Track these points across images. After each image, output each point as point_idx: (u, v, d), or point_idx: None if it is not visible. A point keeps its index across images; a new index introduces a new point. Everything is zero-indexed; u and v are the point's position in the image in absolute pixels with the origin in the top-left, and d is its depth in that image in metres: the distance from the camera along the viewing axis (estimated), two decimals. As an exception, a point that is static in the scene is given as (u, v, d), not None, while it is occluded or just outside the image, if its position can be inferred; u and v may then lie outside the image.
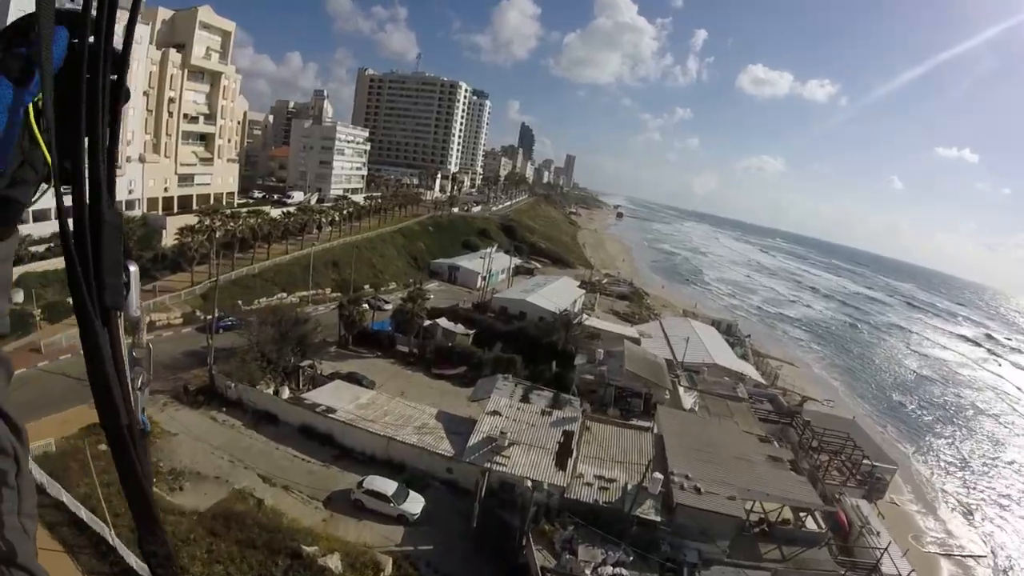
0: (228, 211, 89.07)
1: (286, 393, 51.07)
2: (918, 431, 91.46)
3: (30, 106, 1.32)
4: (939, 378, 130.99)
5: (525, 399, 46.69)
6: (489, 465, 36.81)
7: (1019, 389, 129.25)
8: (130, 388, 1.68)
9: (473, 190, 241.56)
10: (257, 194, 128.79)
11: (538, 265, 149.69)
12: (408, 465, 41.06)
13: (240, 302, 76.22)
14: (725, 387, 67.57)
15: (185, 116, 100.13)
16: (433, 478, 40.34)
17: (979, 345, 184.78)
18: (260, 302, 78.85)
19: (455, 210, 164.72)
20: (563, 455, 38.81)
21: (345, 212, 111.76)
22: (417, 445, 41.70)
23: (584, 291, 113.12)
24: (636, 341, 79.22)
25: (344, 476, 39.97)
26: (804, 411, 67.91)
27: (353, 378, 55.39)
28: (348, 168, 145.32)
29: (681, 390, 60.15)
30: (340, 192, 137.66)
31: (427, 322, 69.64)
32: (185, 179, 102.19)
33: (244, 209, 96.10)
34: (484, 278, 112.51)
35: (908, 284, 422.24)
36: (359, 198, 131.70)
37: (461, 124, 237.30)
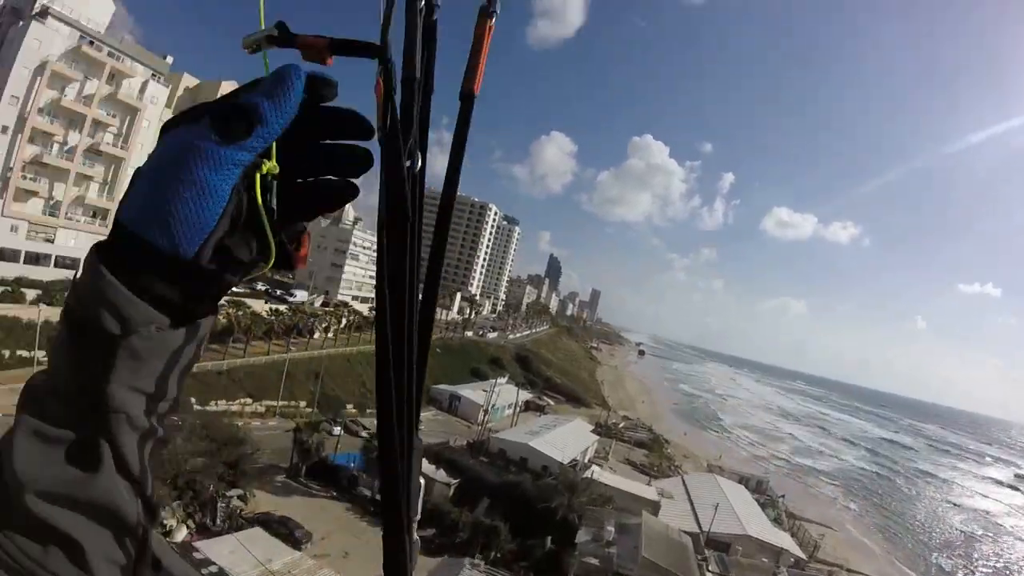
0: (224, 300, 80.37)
1: (182, 534, 39.70)
2: None
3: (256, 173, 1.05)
4: (985, 533, 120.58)
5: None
6: None
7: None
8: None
9: (493, 316, 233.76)
10: (260, 286, 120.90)
11: (551, 402, 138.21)
12: None
13: (193, 400, 65.98)
14: (763, 572, 54.97)
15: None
16: None
17: (1017, 489, 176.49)
18: (216, 404, 68.65)
19: (468, 334, 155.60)
20: None
21: (345, 320, 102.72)
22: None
23: (598, 436, 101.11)
24: (656, 507, 67.07)
25: None
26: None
27: (284, 526, 44.22)
28: (361, 275, 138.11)
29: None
30: (349, 298, 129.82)
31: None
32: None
33: (236, 298, 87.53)
34: (487, 411, 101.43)
35: (932, 425, 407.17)
36: (365, 307, 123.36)
37: (488, 247, 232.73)
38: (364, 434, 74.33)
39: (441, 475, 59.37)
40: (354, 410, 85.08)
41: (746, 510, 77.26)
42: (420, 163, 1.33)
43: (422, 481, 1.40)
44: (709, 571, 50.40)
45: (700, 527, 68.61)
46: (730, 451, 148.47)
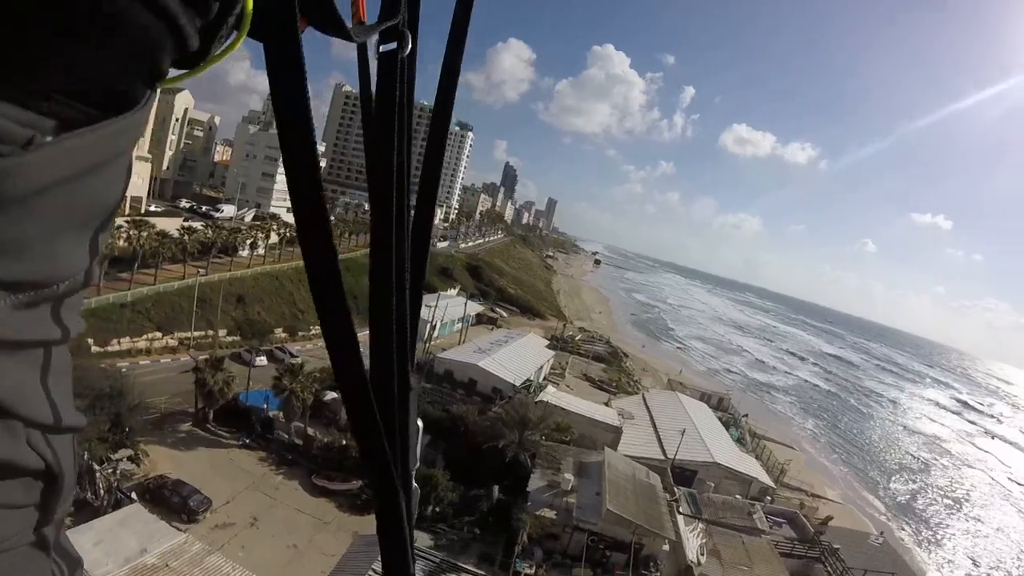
0: (124, 220, 69.46)
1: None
2: (939, 538, 79.82)
3: None
4: (937, 459, 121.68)
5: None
6: None
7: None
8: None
9: (446, 224, 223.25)
10: (184, 204, 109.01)
11: (504, 314, 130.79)
12: None
13: (90, 341, 56.42)
14: (737, 511, 49.07)
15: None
16: None
17: (960, 414, 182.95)
18: (118, 343, 59.14)
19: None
20: None
21: (275, 235, 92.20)
22: None
23: (554, 352, 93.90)
24: (617, 434, 60.47)
25: None
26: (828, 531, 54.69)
27: (177, 493, 35.82)
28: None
29: (683, 527, 41.10)
30: (284, 210, 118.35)
31: (329, 396, 50.09)
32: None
33: (140, 217, 76.47)
34: (433, 327, 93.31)
35: (878, 344, 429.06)
36: None
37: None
38: (291, 361, 65.83)
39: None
40: (283, 334, 75.98)
41: (711, 433, 71.73)
42: (409, 46, 1.26)
43: (420, 423, 1.58)
44: (680, 512, 43.88)
45: (665, 453, 62.64)
46: (687, 364, 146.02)
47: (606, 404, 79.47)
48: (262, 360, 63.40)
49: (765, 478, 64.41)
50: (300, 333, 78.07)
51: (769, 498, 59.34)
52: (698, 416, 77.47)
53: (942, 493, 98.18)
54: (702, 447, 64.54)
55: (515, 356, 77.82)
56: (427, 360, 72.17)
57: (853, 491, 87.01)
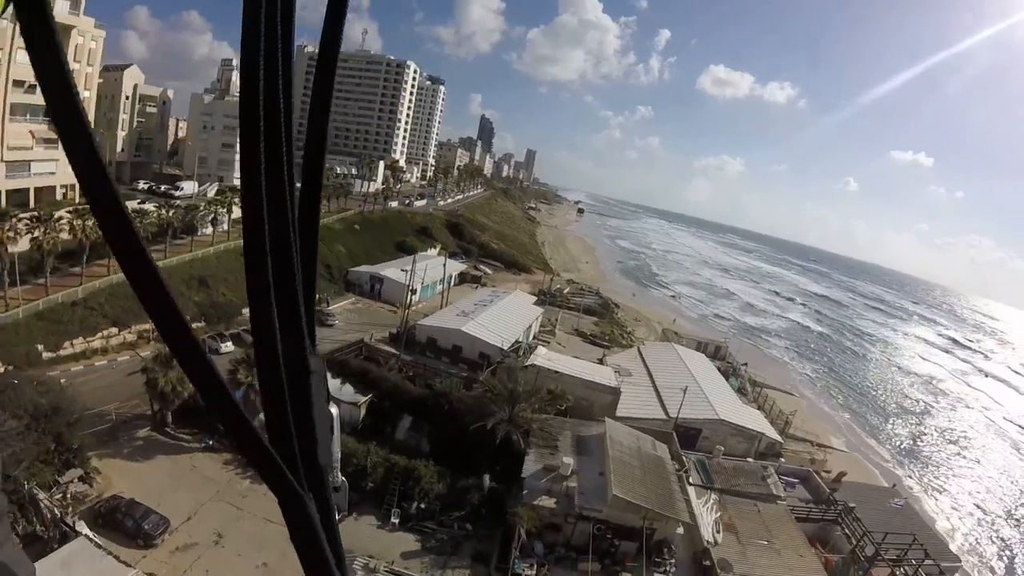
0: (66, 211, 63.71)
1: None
2: (944, 484, 77.25)
3: None
4: (934, 400, 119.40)
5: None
6: None
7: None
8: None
9: (423, 183, 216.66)
10: (142, 185, 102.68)
11: (488, 271, 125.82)
12: None
13: (40, 347, 51.60)
14: (750, 476, 45.40)
15: (17, 83, 74.05)
16: None
17: (951, 352, 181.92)
18: (71, 345, 54.18)
19: (393, 204, 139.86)
20: None
21: (237, 208, 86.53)
22: None
23: (542, 308, 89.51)
24: (616, 396, 56.54)
25: None
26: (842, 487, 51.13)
27: (130, 516, 31.44)
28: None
29: (695, 502, 37.23)
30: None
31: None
32: (17, 167, 76.12)
33: (84, 205, 70.36)
34: (413, 291, 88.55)
35: (864, 282, 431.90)
36: None
37: (409, 109, 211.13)
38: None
39: (347, 391, 46.67)
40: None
41: (713, 386, 68.24)
42: None
43: (334, 411, 1.40)
44: (690, 483, 40.06)
45: (667, 412, 58.91)
46: (679, 311, 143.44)
47: (600, 360, 75.59)
48: (228, 346, 58.68)
49: (772, 432, 61.05)
50: (271, 309, 73.19)
51: (782, 459, 55.80)
52: (697, 368, 73.83)
53: (942, 436, 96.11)
54: (705, 403, 60.89)
55: (501, 317, 73.45)
56: (407, 328, 67.74)
57: (856, 437, 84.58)
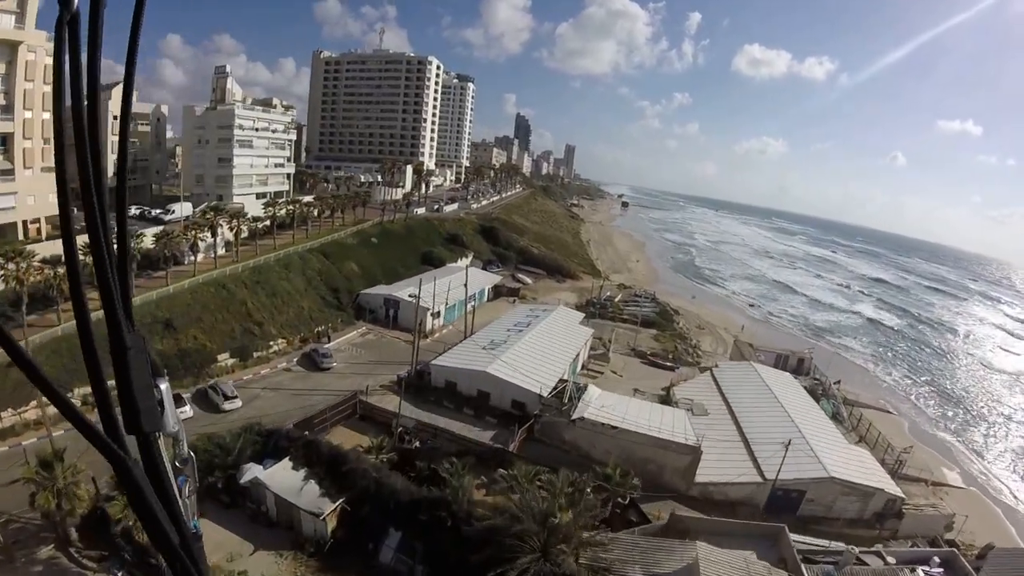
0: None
1: None
2: None
3: None
4: None
5: None
6: None
7: None
8: (180, 503, 1.80)
9: (458, 185, 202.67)
10: (134, 211, 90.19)
11: (528, 280, 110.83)
12: None
13: None
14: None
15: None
16: None
17: None
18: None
19: (420, 211, 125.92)
20: None
21: (227, 230, 73.37)
22: None
23: (590, 327, 74.11)
24: (695, 456, 41.50)
25: None
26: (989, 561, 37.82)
27: None
28: (261, 165, 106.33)
29: None
30: (252, 196, 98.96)
31: (249, 475, 31.37)
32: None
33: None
34: (437, 314, 74.06)
35: (916, 260, 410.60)
36: (259, 205, 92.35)
37: (435, 108, 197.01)
38: (228, 406, 47.31)
39: (309, 494, 32.09)
40: (229, 361, 57.28)
41: (812, 425, 53.70)
42: (76, 5, 1.48)
43: (163, 385, 1.69)
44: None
45: (761, 471, 43.88)
46: (743, 312, 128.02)
47: (667, 393, 60.27)
48: (186, 411, 44.90)
49: (891, 486, 46.79)
50: (256, 354, 59.32)
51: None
52: (788, 398, 58.62)
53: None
54: (809, 455, 46.10)
55: (541, 346, 58.54)
56: (419, 370, 53.36)
57: (967, 463, 69.30)
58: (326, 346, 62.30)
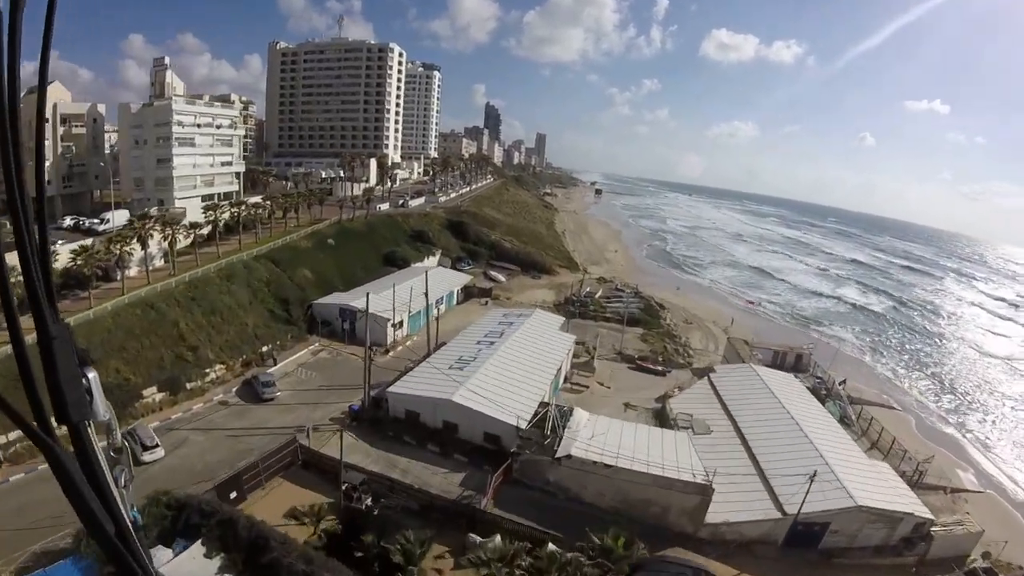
0: None
1: None
2: None
3: None
4: None
5: None
6: None
7: None
8: (116, 492, 1.76)
9: (427, 178, 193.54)
10: (68, 222, 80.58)
11: (501, 278, 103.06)
12: None
13: None
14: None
15: None
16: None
17: (1014, 320, 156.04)
18: None
19: (383, 207, 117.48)
20: None
21: (159, 238, 64.81)
22: None
23: (572, 334, 66.62)
24: (705, 495, 34.53)
25: None
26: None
27: None
28: (206, 165, 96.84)
29: None
30: (197, 199, 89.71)
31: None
32: None
33: None
34: (399, 324, 66.28)
35: (889, 239, 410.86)
36: (199, 209, 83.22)
37: (398, 98, 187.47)
38: (148, 457, 39.28)
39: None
40: (158, 396, 48.85)
41: (828, 441, 47.15)
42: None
43: (91, 374, 1.72)
44: None
45: (779, 503, 37.38)
46: (728, 301, 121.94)
47: (662, 405, 53.33)
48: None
49: (920, 508, 40.85)
50: (190, 385, 50.90)
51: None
52: (796, 407, 52.35)
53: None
54: (832, 482, 39.56)
55: (517, 362, 50.96)
56: (377, 396, 45.76)
57: (978, 459, 64.19)
58: (270, 371, 54.02)
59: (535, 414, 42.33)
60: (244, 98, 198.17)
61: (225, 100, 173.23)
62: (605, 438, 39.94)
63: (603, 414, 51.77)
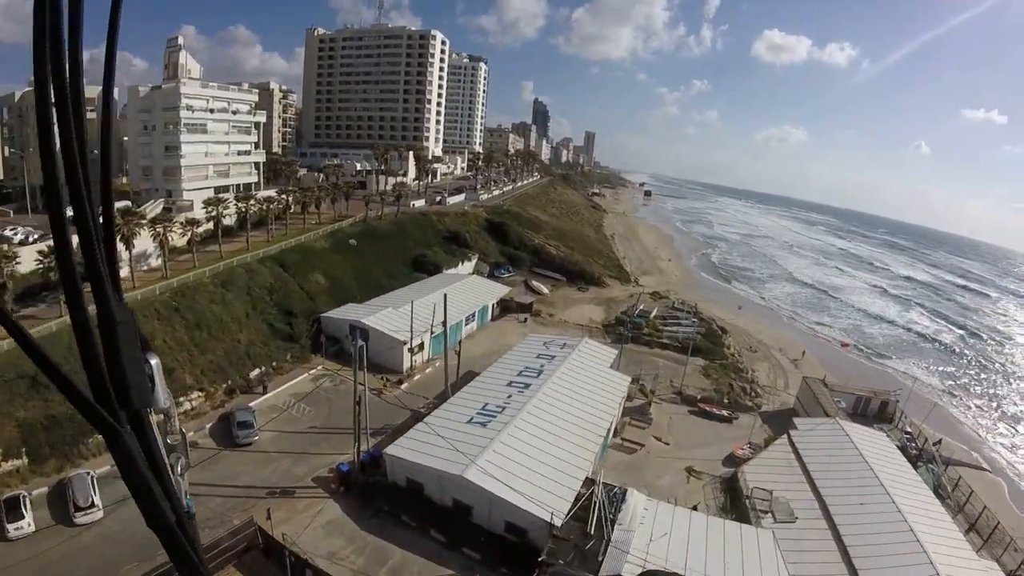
0: None
1: None
2: None
3: None
4: None
5: None
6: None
7: None
8: (173, 480, 1.80)
9: (470, 174, 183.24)
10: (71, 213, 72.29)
11: (544, 290, 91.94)
12: None
13: None
14: None
15: None
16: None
17: None
18: None
19: (418, 204, 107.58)
20: None
21: (147, 235, 55.58)
22: None
23: (626, 374, 55.22)
24: None
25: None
26: None
27: None
28: (220, 153, 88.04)
29: None
30: (209, 191, 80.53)
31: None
32: None
33: None
34: (415, 349, 55.86)
35: (944, 254, 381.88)
36: (199, 205, 73.83)
37: (441, 88, 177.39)
38: (81, 519, 30.11)
39: None
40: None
41: (929, 525, 36.30)
42: None
43: (154, 361, 1.82)
44: None
45: None
46: (793, 327, 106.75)
47: (733, 475, 42.02)
48: (23, 524, 28.13)
49: None
50: (155, 420, 41.36)
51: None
52: (892, 478, 41.27)
53: None
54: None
55: (557, 417, 40.01)
56: (375, 454, 35.53)
57: None
58: (252, 404, 44.15)
59: (576, 497, 31.51)
60: (284, 87, 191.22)
61: (264, 88, 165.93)
62: (668, 541, 29.02)
63: (662, 482, 40.83)
